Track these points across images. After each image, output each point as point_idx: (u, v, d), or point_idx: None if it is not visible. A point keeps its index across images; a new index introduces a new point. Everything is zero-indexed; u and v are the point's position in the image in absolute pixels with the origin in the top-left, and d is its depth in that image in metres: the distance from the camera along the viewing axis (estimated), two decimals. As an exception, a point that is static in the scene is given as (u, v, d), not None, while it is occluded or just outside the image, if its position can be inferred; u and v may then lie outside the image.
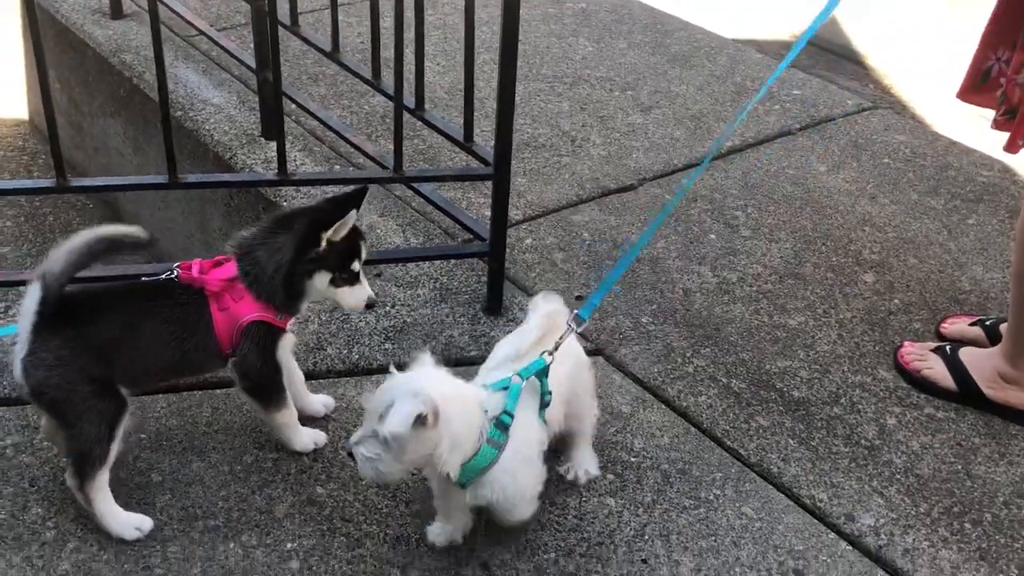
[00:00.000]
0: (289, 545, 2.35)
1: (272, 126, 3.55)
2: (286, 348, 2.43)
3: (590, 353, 3.00)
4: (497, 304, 3.15)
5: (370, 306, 2.47)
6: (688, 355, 3.03)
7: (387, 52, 3.05)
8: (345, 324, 3.08)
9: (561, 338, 2.28)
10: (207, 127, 4.10)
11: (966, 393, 2.87)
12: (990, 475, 2.66)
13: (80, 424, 2.20)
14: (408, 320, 3.12)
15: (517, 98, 2.90)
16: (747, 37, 5.54)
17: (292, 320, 2.43)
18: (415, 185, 3.39)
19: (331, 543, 2.36)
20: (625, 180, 3.94)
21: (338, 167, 3.90)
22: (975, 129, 4.26)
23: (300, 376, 2.64)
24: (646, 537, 2.43)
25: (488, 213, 3.11)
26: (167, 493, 2.45)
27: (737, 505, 2.53)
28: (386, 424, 1.95)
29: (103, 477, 2.26)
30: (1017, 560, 2.42)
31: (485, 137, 3.16)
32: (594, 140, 4.19)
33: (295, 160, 3.82)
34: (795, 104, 4.61)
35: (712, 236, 3.60)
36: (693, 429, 2.77)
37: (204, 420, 2.68)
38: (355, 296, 2.43)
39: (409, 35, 2.92)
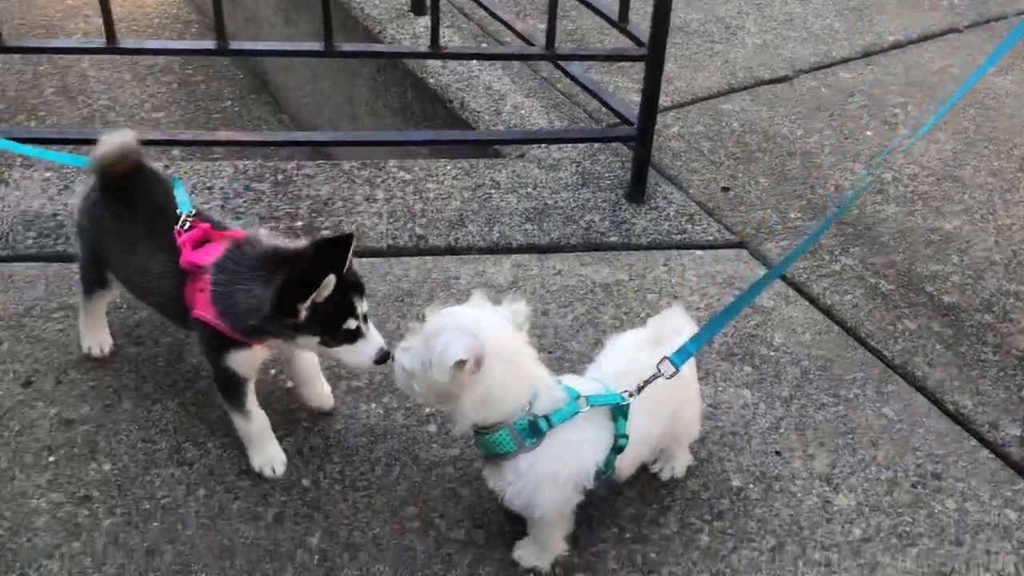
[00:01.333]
0: (427, 410, 2.41)
1: (424, 0, 3.56)
2: (243, 361, 2.13)
3: (734, 245, 2.98)
4: (640, 191, 3.12)
5: (380, 360, 2.08)
6: (836, 253, 2.97)
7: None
8: (487, 203, 3.10)
9: (645, 382, 1.97)
10: (357, 1, 4.12)
11: None
12: None
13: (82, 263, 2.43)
14: (549, 203, 3.12)
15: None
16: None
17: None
18: (564, 66, 3.35)
19: (468, 412, 2.42)
20: (780, 71, 3.84)
21: (484, 44, 3.88)
22: None
23: (315, 363, 2.35)
24: (781, 430, 2.42)
25: (635, 99, 3.06)
26: (313, 353, 2.54)
27: (877, 406, 2.50)
28: (430, 350, 1.85)
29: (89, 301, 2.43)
30: None
31: (638, 19, 3.09)
32: (749, 28, 4.08)
33: (443, 36, 3.81)
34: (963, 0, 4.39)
35: (869, 133, 3.50)
36: (836, 328, 2.72)
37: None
38: (358, 354, 2.07)
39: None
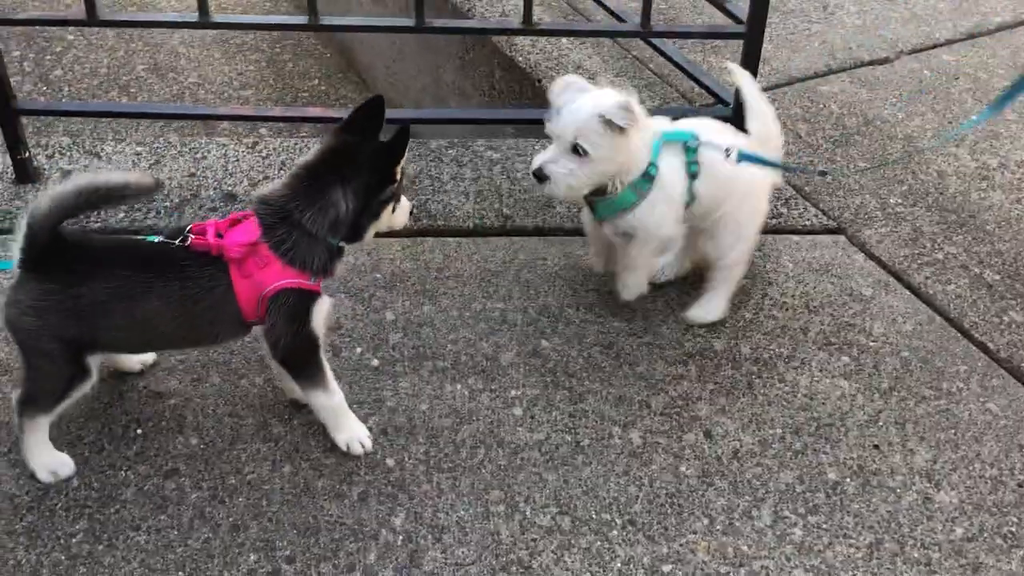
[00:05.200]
0: (513, 392, 2.39)
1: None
2: (321, 316, 2.14)
3: (832, 231, 2.90)
4: (735, 173, 3.05)
5: (413, 212, 2.31)
6: (939, 241, 2.87)
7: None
8: (576, 183, 3.06)
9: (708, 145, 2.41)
10: (447, -24, 4.11)
11: None
12: None
13: (35, 373, 2.07)
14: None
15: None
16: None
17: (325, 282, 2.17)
18: (657, 44, 3.29)
19: (554, 395, 2.39)
20: (880, 52, 3.74)
21: (575, 21, 3.83)
22: None
23: None
24: (880, 423, 2.35)
25: (729, 79, 2.99)
26: (399, 332, 2.54)
27: (981, 400, 2.41)
28: (599, 105, 2.24)
29: (42, 422, 2.12)
30: None
31: (736, -4, 3.03)
32: (848, 7, 3.98)
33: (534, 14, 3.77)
34: (1079, -21, 4.22)
35: (974, 117, 3.38)
36: (939, 318, 2.64)
37: (436, 266, 2.75)
38: (403, 209, 2.24)
39: None
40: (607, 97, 2.28)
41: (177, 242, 2.02)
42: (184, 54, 5.49)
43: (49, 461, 2.16)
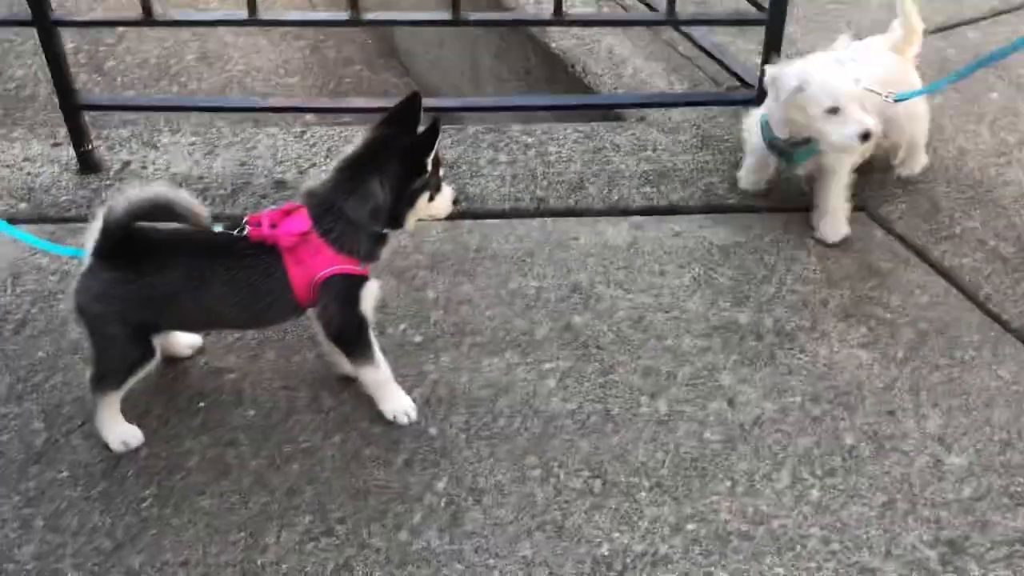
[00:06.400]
0: (547, 365, 2.51)
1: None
2: (369, 298, 2.25)
3: (853, 209, 2.97)
4: (760, 153, 3.14)
5: (456, 201, 2.38)
6: (957, 216, 2.95)
7: None
8: (607, 165, 3.16)
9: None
10: (483, -34, 4.20)
11: None
12: None
13: (103, 354, 2.20)
14: (668, 165, 3.17)
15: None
16: None
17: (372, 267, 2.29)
18: (685, 30, 3.38)
19: (585, 367, 2.51)
20: (904, 31, 3.74)
21: (606, 9, 3.92)
22: None
23: None
24: (895, 391, 2.45)
25: (757, 61, 3.08)
26: (440, 309, 2.66)
27: (993, 368, 2.50)
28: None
29: (113, 397, 2.26)
30: None
31: (760, -18, 3.10)
32: (874, -12, 4.00)
33: (566, 2, 3.86)
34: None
35: (994, 95, 3.43)
36: (954, 290, 2.72)
37: (474, 246, 2.86)
38: (445, 197, 2.32)
39: None
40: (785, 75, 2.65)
41: (236, 232, 2.15)
42: (232, 43, 5.62)
43: (121, 432, 2.31)
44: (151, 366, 2.26)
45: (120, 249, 2.11)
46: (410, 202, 2.22)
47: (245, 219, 2.17)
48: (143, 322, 2.19)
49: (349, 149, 2.23)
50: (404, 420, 2.37)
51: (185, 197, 2.10)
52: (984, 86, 3.45)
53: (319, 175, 2.28)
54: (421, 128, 2.19)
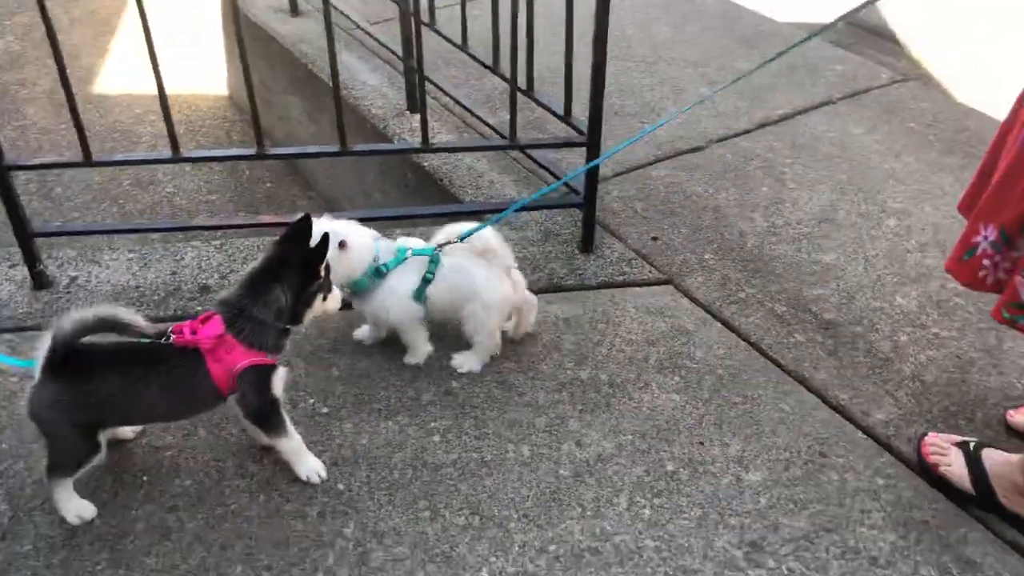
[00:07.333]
0: (432, 424, 2.52)
1: (416, 102, 3.68)
2: (279, 382, 2.23)
3: (663, 282, 3.09)
4: (589, 244, 3.24)
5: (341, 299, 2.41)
6: (741, 284, 3.08)
7: (505, 39, 3.11)
8: (473, 258, 3.21)
9: (446, 243, 2.59)
10: (365, 103, 4.25)
11: (983, 495, 2.28)
12: (983, 383, 2.68)
13: (57, 450, 2.15)
14: (519, 255, 3.19)
15: (607, 75, 2.93)
16: (802, 21, 5.40)
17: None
18: (527, 152, 3.47)
19: (463, 423, 2.53)
20: (695, 143, 3.94)
21: (466, 135, 4.00)
22: (992, 97, 4.16)
23: None
24: (703, 425, 2.53)
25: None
26: (343, 384, 2.65)
27: (776, 402, 2.61)
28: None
29: (67, 482, 2.19)
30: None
31: (583, 106, 3.20)
32: (670, 109, 4.19)
33: (433, 128, 3.92)
34: (837, 78, 4.53)
35: (764, 188, 3.62)
36: (743, 343, 2.84)
37: (368, 330, 2.86)
38: (335, 297, 2.36)
39: (523, 24, 2.98)
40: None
41: (163, 340, 2.10)
42: (161, 168, 5.52)
43: (75, 507, 2.23)
44: (98, 459, 2.18)
45: (66, 363, 2.03)
46: (307, 303, 2.23)
47: (169, 329, 2.12)
48: (89, 422, 2.13)
49: (254, 263, 2.22)
50: (316, 479, 2.34)
51: (123, 311, 2.06)
52: (756, 182, 3.64)
53: (232, 284, 2.26)
54: (313, 242, 2.20)
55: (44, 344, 2.03)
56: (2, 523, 2.23)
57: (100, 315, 2.02)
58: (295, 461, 2.34)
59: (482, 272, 2.58)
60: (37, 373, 2.05)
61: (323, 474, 2.35)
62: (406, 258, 2.58)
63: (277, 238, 2.24)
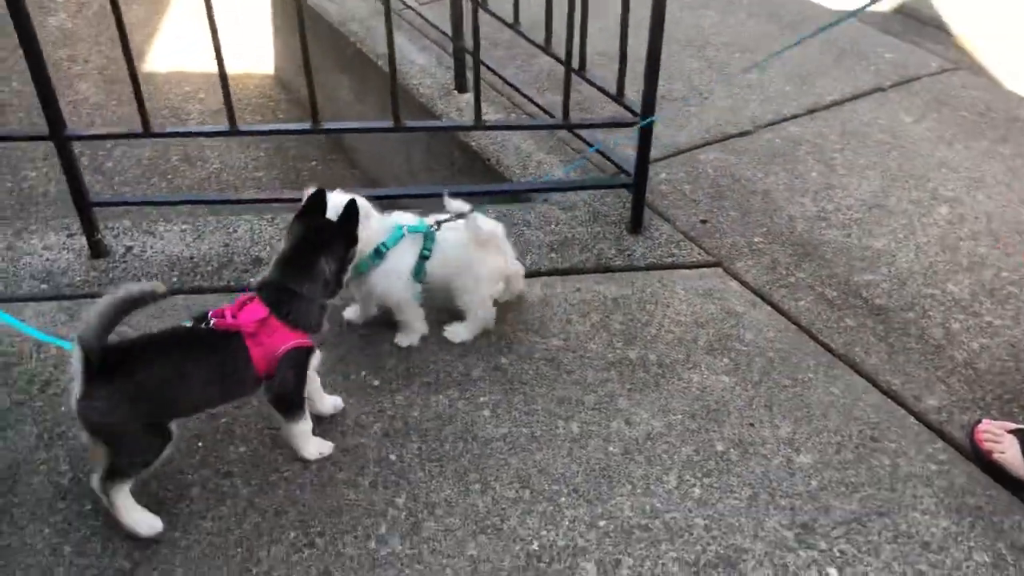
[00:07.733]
0: (482, 399, 2.52)
1: (466, 81, 3.68)
2: (314, 363, 2.23)
3: (712, 265, 3.06)
4: (638, 225, 3.22)
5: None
6: (791, 268, 3.05)
7: (556, 23, 3.10)
8: (520, 238, 3.20)
9: (443, 221, 2.57)
10: (414, 82, 4.24)
11: None
12: (1038, 372, 2.63)
13: (130, 452, 2.05)
14: (568, 236, 3.22)
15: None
16: (844, 8, 5.31)
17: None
18: (576, 131, 3.45)
19: (512, 399, 2.53)
20: (743, 127, 3.90)
21: (513, 116, 3.99)
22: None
23: (318, 381, 2.40)
24: (753, 407, 2.51)
25: (633, 153, 3.16)
26: (394, 358, 2.66)
27: (826, 386, 2.58)
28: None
29: (126, 489, 2.10)
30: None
31: (632, 92, 3.19)
32: (718, 93, 4.15)
33: (482, 108, 3.92)
34: (887, 65, 4.45)
35: (814, 174, 3.57)
36: (793, 326, 2.81)
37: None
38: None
39: (576, 5, 2.95)
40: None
41: (203, 326, 2.07)
42: (208, 145, 5.56)
43: (143, 519, 2.14)
44: (170, 449, 2.11)
45: (104, 366, 1.94)
46: (346, 269, 2.25)
47: (209, 313, 2.09)
48: (158, 414, 2.06)
49: (285, 244, 2.20)
50: (319, 455, 2.32)
51: (133, 287, 1.98)
52: (806, 167, 3.60)
53: (265, 267, 2.25)
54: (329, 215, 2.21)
55: (75, 357, 1.92)
56: (63, 484, 2.26)
57: (116, 301, 1.94)
58: (301, 444, 2.31)
59: (474, 245, 2.57)
60: (77, 387, 1.95)
61: (325, 451, 2.34)
62: (403, 235, 2.54)
63: (296, 213, 2.22)
